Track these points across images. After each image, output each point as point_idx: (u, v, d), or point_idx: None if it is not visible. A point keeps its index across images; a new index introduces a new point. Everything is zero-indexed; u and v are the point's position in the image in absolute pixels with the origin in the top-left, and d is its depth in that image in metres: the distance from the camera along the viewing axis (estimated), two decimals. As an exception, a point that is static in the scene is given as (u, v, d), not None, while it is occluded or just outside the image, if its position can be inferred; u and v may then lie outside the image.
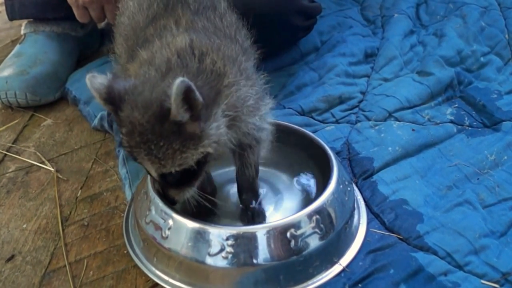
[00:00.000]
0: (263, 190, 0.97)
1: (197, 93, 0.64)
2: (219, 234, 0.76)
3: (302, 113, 1.23)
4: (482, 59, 1.36)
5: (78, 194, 1.09)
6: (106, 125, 1.26)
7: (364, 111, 1.22)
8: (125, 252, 0.90)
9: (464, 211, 0.91)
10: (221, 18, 0.88)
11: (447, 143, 1.09)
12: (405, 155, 1.06)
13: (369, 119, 1.19)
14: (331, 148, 0.96)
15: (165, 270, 0.82)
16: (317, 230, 0.79)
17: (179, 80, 0.62)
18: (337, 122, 1.21)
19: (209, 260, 0.77)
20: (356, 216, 0.90)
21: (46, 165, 1.18)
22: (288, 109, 1.24)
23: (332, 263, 0.82)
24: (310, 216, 0.79)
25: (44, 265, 0.91)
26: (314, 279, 0.80)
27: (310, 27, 1.41)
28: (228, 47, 0.80)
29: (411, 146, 1.07)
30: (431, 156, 1.06)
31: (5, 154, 1.24)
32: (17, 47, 1.49)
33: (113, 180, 1.11)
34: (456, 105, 1.22)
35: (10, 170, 1.18)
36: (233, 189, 0.95)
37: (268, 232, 0.77)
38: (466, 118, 1.17)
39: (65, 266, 0.90)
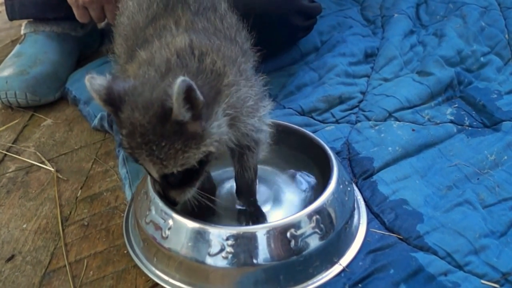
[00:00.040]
0: (261, 184, 0.97)
1: (198, 92, 0.64)
2: (219, 234, 0.76)
3: (302, 113, 1.23)
4: (482, 59, 1.36)
5: (78, 194, 1.09)
6: (106, 125, 1.26)
7: (364, 111, 1.22)
8: (125, 252, 0.90)
9: (464, 211, 0.91)
10: (221, 19, 0.88)
11: (447, 143, 1.09)
12: (405, 155, 1.06)
13: (369, 119, 1.19)
14: (331, 148, 0.96)
15: (165, 270, 0.82)
16: (317, 230, 0.79)
17: (180, 79, 0.62)
18: (337, 122, 1.21)
19: (209, 260, 0.77)
20: (356, 216, 0.90)
21: (46, 165, 1.18)
22: (288, 109, 1.24)
23: (332, 263, 0.82)
24: (310, 216, 0.79)
25: (44, 265, 0.91)
26: (314, 279, 0.80)
27: (310, 27, 1.41)
28: (228, 48, 0.80)
29: (411, 146, 1.08)
30: (431, 156, 1.06)
31: (5, 154, 1.24)
32: (17, 47, 1.49)
33: (113, 180, 1.11)
34: (456, 105, 1.22)
35: (10, 170, 1.18)
36: (233, 188, 0.95)
37: (268, 232, 0.77)
38: (466, 118, 1.17)
39: (65, 266, 0.90)
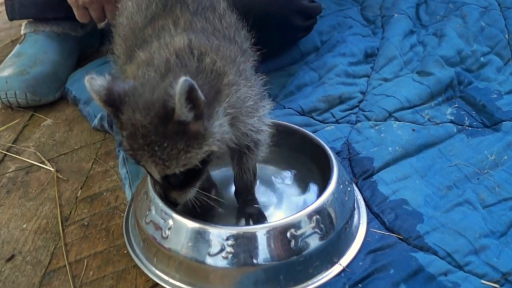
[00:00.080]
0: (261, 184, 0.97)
1: (199, 91, 0.64)
2: (219, 234, 0.76)
3: (302, 113, 1.23)
4: (482, 59, 1.36)
5: (78, 194, 1.09)
6: (106, 125, 1.26)
7: (364, 111, 1.22)
8: (125, 252, 0.90)
9: (464, 211, 0.91)
10: (220, 19, 0.88)
11: (447, 143, 1.09)
12: (405, 155, 1.06)
13: (369, 119, 1.19)
14: (331, 148, 0.96)
15: (165, 270, 0.82)
16: (317, 230, 0.79)
17: (182, 79, 0.62)
18: (337, 122, 1.21)
19: (209, 260, 0.77)
20: (356, 216, 0.90)
21: (46, 165, 1.19)
22: (288, 109, 1.24)
23: (332, 263, 0.82)
24: (310, 216, 0.79)
25: (44, 265, 0.91)
26: (314, 279, 0.80)
27: (310, 27, 1.41)
28: (227, 48, 0.79)
29: (411, 146, 1.07)
30: (431, 156, 1.06)
31: (5, 154, 1.24)
32: (17, 47, 1.49)
33: (113, 180, 1.11)
34: (456, 105, 1.22)
35: (10, 170, 1.18)
36: (233, 188, 0.95)
37: (268, 232, 0.77)
38: (466, 118, 1.17)
39: (65, 266, 0.90)
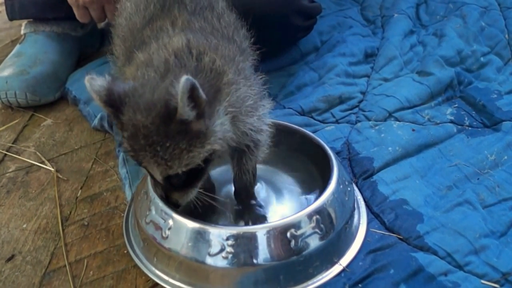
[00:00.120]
0: (261, 184, 0.97)
1: (200, 90, 0.64)
2: (219, 234, 0.76)
3: (302, 113, 1.23)
4: (482, 59, 1.36)
5: (78, 194, 1.09)
6: (106, 125, 1.26)
7: (364, 111, 1.22)
8: (125, 252, 0.90)
9: (464, 211, 0.91)
10: (218, 19, 0.88)
11: (447, 143, 1.09)
12: (405, 155, 1.06)
13: (369, 119, 1.19)
14: (331, 148, 0.96)
15: (165, 270, 0.82)
16: (317, 230, 0.79)
17: (184, 78, 0.62)
18: (337, 122, 1.21)
19: (209, 260, 0.77)
20: (356, 216, 0.90)
21: (46, 165, 1.19)
22: (288, 109, 1.24)
23: (332, 263, 0.82)
24: (310, 216, 0.79)
25: (44, 265, 0.91)
26: (314, 279, 0.80)
27: (310, 27, 1.41)
28: (225, 47, 0.79)
29: (411, 146, 1.07)
30: (431, 156, 1.06)
31: (5, 154, 1.24)
32: (17, 47, 1.49)
33: (113, 180, 1.11)
34: (456, 105, 1.22)
35: (10, 170, 1.18)
36: (232, 188, 0.95)
37: (268, 232, 0.77)
38: (466, 118, 1.17)
39: (65, 266, 0.90)
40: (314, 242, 0.78)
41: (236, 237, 0.76)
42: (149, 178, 0.85)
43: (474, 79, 1.29)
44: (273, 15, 1.23)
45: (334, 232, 0.81)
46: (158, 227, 0.81)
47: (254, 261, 0.76)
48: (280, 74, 1.39)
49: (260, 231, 0.77)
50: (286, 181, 1.00)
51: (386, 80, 1.33)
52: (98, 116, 1.29)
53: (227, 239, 0.76)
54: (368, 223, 0.91)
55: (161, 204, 0.81)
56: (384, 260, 0.83)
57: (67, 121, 1.37)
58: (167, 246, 0.79)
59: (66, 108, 1.43)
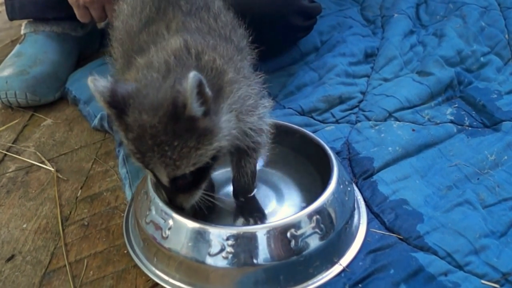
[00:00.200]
0: (261, 185, 0.97)
1: (206, 87, 0.64)
2: (219, 234, 0.76)
3: (302, 113, 1.23)
4: (482, 59, 1.36)
5: (78, 194, 1.09)
6: (106, 125, 1.26)
7: (364, 111, 1.22)
8: (125, 252, 0.90)
9: (464, 211, 0.91)
10: (215, 19, 0.88)
11: (447, 143, 1.09)
12: (405, 155, 1.06)
13: (369, 119, 1.19)
14: (331, 148, 0.96)
15: (165, 270, 0.82)
16: (317, 230, 0.79)
17: (192, 73, 0.62)
18: (337, 122, 1.21)
19: (209, 260, 0.77)
20: (356, 216, 0.90)
21: (46, 165, 1.18)
22: (288, 109, 1.24)
23: (332, 263, 0.82)
24: (310, 216, 0.79)
25: (44, 265, 0.91)
26: (314, 279, 0.80)
27: (310, 27, 1.41)
28: (223, 47, 0.79)
29: (411, 146, 1.07)
30: (431, 156, 1.06)
31: (5, 154, 1.24)
32: (17, 47, 1.49)
33: (113, 180, 1.11)
34: (456, 105, 1.22)
35: (10, 170, 1.18)
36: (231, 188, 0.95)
37: (268, 232, 0.77)
38: (466, 118, 1.17)
39: (65, 266, 0.90)
40: (314, 242, 0.78)
41: (236, 237, 0.76)
42: (149, 179, 0.85)
43: (474, 79, 1.30)
44: (273, 15, 1.23)
45: (334, 232, 0.81)
46: (158, 227, 0.81)
47: (254, 261, 0.76)
48: (280, 74, 1.39)
49: (260, 231, 0.77)
50: (286, 181, 1.00)
51: (386, 80, 1.33)
52: (98, 116, 1.28)
53: (227, 239, 0.76)
54: (368, 223, 0.91)
55: (161, 204, 0.81)
56: (384, 260, 0.83)
57: (67, 121, 1.37)
58: (167, 246, 0.79)
59: (66, 108, 1.43)
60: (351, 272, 0.81)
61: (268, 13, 1.21)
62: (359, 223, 0.90)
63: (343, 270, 0.82)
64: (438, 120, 1.17)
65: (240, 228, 0.81)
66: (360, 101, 1.26)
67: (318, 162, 0.97)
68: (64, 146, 1.26)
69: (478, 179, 0.99)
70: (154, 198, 0.83)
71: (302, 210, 0.80)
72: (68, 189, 1.11)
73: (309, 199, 0.94)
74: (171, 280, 0.81)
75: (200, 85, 0.63)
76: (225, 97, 0.72)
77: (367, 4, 1.71)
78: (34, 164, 1.19)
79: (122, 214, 0.99)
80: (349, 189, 0.89)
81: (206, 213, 0.81)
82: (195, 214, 0.81)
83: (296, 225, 0.78)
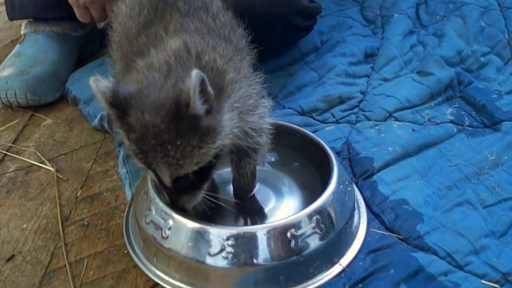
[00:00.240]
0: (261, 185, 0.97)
1: (208, 85, 0.65)
2: (219, 234, 0.76)
3: (302, 113, 1.23)
4: (482, 59, 1.36)
5: (78, 194, 1.09)
6: (106, 125, 1.26)
7: (364, 111, 1.22)
8: (125, 252, 0.90)
9: (464, 211, 0.91)
10: (214, 19, 0.88)
11: (447, 143, 1.09)
12: (405, 155, 1.06)
13: (369, 119, 1.19)
14: (331, 148, 0.96)
15: (165, 270, 0.82)
16: (317, 230, 0.79)
17: (194, 71, 0.62)
18: (337, 122, 1.21)
19: (209, 260, 0.77)
20: (356, 216, 0.90)
21: (46, 165, 1.19)
22: (288, 109, 1.24)
23: (332, 263, 0.82)
24: (310, 216, 0.79)
25: (44, 265, 0.91)
26: (314, 279, 0.80)
27: (310, 27, 1.41)
28: (223, 47, 0.79)
29: (411, 146, 1.07)
30: (431, 156, 1.06)
31: (5, 154, 1.24)
32: (17, 47, 1.49)
33: (113, 180, 1.11)
34: (456, 105, 1.22)
35: (10, 170, 1.18)
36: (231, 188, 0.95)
37: (268, 232, 0.77)
38: (466, 118, 1.17)
39: (65, 266, 0.90)
40: (314, 242, 0.78)
41: (236, 237, 0.76)
42: (149, 179, 0.85)
43: (474, 79, 1.30)
44: (273, 15, 1.23)
45: (334, 232, 0.81)
46: (158, 227, 0.81)
47: (254, 261, 0.76)
48: (280, 74, 1.39)
49: (260, 231, 0.77)
50: (286, 181, 1.00)
51: (386, 80, 1.33)
52: (98, 116, 1.28)
53: (227, 239, 0.76)
54: (368, 223, 0.91)
55: (161, 204, 0.81)
56: (384, 260, 0.83)
57: (67, 121, 1.37)
58: (167, 246, 0.79)
59: (66, 108, 1.43)
60: (351, 272, 0.81)
61: (268, 13, 1.21)
62: (359, 223, 0.90)
63: (343, 270, 0.82)
64: (438, 120, 1.17)
65: (240, 228, 0.81)
66: (360, 101, 1.26)
67: (318, 162, 0.97)
68: (64, 146, 1.26)
69: (478, 179, 0.99)
70: (154, 198, 0.83)
71: (302, 210, 0.80)
72: (68, 189, 1.11)
73: (309, 199, 0.93)
74: (171, 280, 0.81)
75: (202, 83, 0.63)
76: (226, 96, 0.72)
77: (367, 4, 1.71)
78: (34, 164, 1.19)
79: (122, 214, 0.99)
80: (349, 189, 0.89)
81: (209, 214, 0.80)
82: (203, 216, 0.81)
83: (296, 225, 0.78)
